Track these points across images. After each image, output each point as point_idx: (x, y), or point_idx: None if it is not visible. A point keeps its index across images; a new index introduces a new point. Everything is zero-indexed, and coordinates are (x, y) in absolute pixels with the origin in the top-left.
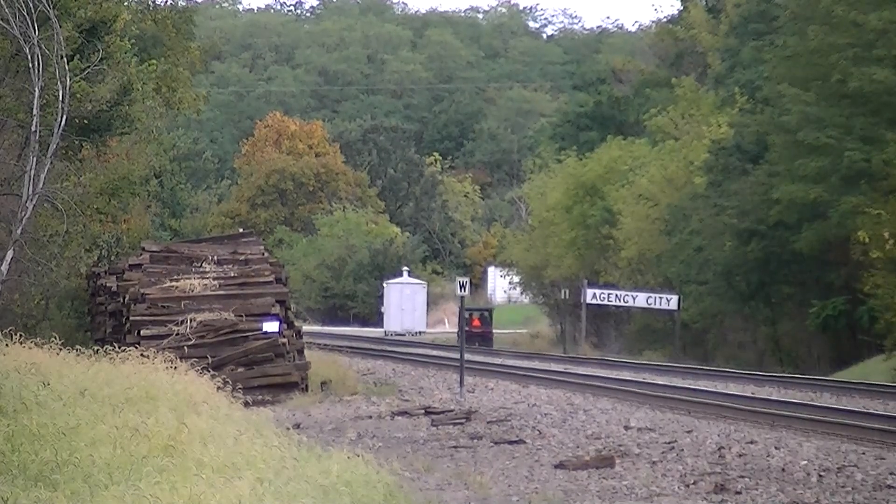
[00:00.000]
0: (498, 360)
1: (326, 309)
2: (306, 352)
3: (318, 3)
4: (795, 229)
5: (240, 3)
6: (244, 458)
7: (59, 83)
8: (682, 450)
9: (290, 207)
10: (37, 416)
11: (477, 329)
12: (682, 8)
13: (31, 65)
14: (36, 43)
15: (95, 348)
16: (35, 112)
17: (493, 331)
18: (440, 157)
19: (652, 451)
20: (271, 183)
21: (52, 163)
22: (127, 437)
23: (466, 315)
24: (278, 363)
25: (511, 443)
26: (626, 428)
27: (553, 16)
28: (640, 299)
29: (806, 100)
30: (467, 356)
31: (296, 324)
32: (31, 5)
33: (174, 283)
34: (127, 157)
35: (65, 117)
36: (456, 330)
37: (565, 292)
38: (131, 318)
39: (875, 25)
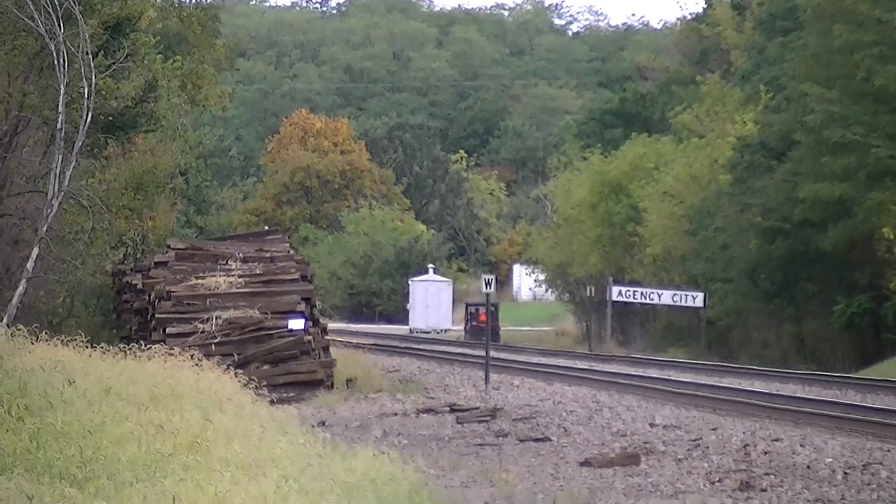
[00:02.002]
0: (523, 358)
1: (352, 306)
2: (331, 349)
3: (343, 0)
4: (820, 227)
5: (266, 0)
6: (269, 456)
7: (84, 80)
8: (708, 447)
9: (316, 205)
10: (62, 413)
11: (483, 323)
12: (706, 5)
13: (56, 62)
14: (61, 40)
15: (121, 346)
16: (60, 109)
17: (502, 326)
18: (465, 155)
19: (677, 448)
20: (296, 180)
21: (77, 160)
22: (152, 435)
23: (473, 310)
24: (303, 361)
25: (536, 440)
26: (652, 425)
27: (578, 13)
28: (666, 297)
29: (830, 98)
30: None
31: (321, 321)
32: (56, 2)
33: (200, 281)
34: (152, 154)
35: (90, 114)
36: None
37: (591, 290)
38: (157, 315)
39: None
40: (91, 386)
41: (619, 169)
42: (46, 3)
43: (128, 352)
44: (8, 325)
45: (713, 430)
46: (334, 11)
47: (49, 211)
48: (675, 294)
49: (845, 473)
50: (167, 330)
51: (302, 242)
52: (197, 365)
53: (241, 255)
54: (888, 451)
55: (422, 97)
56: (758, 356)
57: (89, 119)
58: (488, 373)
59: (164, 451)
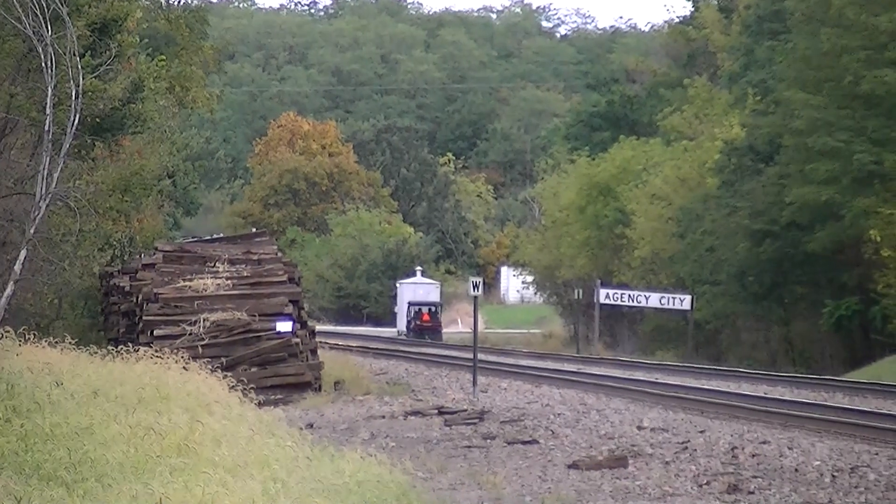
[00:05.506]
0: (511, 360)
1: (339, 308)
2: (319, 351)
3: (331, 2)
4: (808, 230)
5: (254, 3)
6: (257, 458)
7: (71, 82)
8: (695, 450)
9: (303, 207)
10: (50, 415)
11: (427, 323)
12: (694, 8)
13: (43, 63)
14: (49, 42)
15: (108, 348)
16: (48, 111)
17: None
18: (453, 157)
19: (665, 451)
20: (284, 183)
21: (65, 162)
22: (140, 437)
23: (416, 310)
24: (291, 363)
25: (524, 443)
26: (639, 428)
27: (566, 16)
28: (654, 299)
29: (814, 104)
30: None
31: (309, 323)
32: (43, 4)
33: (187, 283)
34: (139, 156)
35: (77, 116)
36: (469, 330)
37: (578, 292)
38: (144, 317)
39: (887, 27)
40: (79, 388)
41: (606, 171)
42: (34, 4)
43: (115, 354)
44: None
45: (701, 432)
46: (322, 14)
47: (36, 213)
48: (662, 296)
49: (833, 476)
50: (155, 332)
51: (289, 245)
52: (185, 367)
53: (228, 257)
54: (876, 453)
55: (410, 100)
56: (746, 358)
57: (77, 121)
58: (476, 375)
59: (152, 453)
